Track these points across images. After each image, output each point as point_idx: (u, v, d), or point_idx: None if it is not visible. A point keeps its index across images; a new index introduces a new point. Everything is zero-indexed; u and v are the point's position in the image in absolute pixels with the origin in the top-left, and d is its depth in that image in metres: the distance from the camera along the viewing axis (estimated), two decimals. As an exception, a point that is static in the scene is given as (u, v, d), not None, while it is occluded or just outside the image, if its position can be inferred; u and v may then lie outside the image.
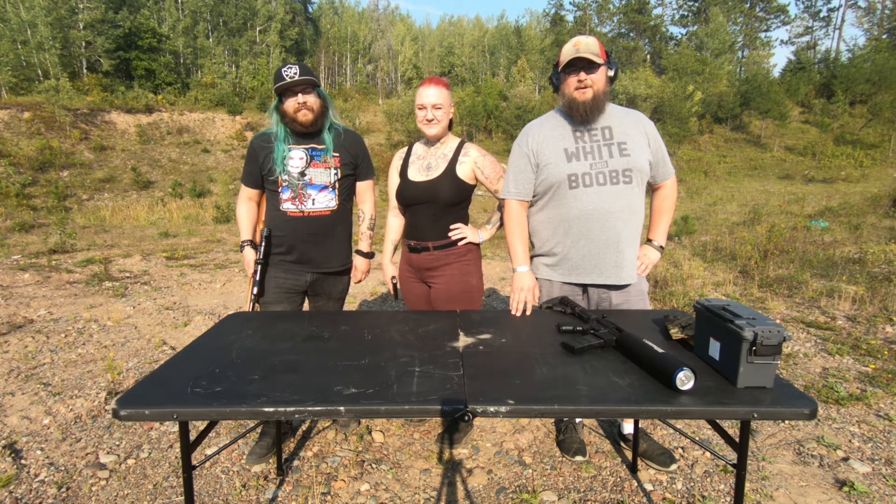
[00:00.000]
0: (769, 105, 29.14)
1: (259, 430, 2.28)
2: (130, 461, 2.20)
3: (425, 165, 2.09)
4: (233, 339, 1.60)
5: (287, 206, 2.07)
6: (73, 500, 1.94)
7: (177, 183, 18.81)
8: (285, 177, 2.05)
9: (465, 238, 2.09)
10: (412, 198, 2.08)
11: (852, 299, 4.43)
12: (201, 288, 5.48)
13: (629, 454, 2.21)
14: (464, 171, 2.05)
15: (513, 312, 1.84)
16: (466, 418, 1.15)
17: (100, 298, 4.92)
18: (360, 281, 2.31)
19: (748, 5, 45.22)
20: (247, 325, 1.74)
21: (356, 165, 2.18)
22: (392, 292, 2.26)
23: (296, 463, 2.17)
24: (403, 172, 2.15)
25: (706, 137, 29.73)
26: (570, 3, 48.77)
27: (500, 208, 2.07)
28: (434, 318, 1.82)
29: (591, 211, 1.83)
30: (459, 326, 1.71)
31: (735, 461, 1.26)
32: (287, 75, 1.98)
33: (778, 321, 3.79)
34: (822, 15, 46.03)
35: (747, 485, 1.99)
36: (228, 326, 1.73)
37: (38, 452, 2.26)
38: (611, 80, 1.83)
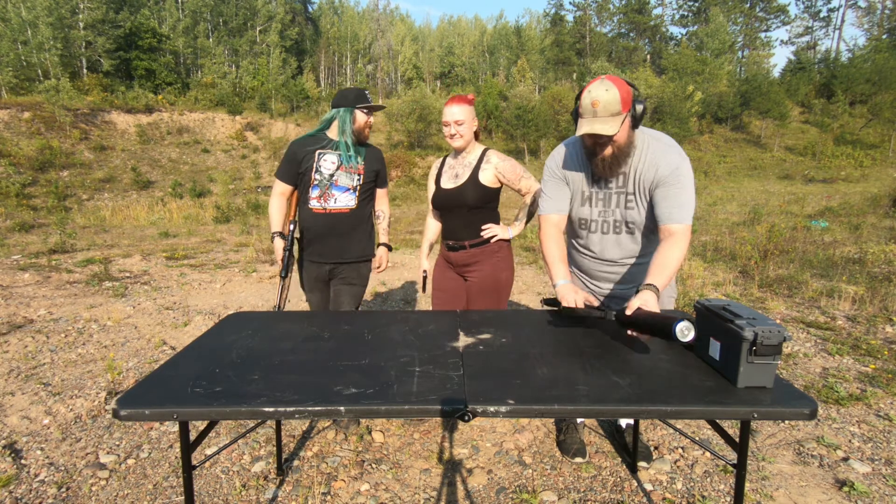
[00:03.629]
0: (769, 105, 29.15)
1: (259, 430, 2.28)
2: (130, 461, 2.20)
3: (454, 174, 2.32)
4: (233, 339, 1.60)
5: (313, 204, 2.35)
6: (73, 500, 1.94)
7: (177, 183, 18.82)
8: (318, 177, 2.33)
9: (496, 236, 2.29)
10: (444, 203, 2.33)
11: (852, 299, 4.43)
12: (201, 288, 5.48)
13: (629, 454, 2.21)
14: (486, 177, 2.25)
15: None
16: (466, 418, 1.15)
17: (100, 298, 4.92)
18: (382, 269, 2.57)
19: (748, 5, 45.23)
20: (247, 325, 1.74)
21: (377, 176, 2.49)
22: (421, 284, 2.51)
23: (296, 463, 2.17)
24: (438, 181, 2.39)
25: (706, 137, 29.74)
26: (570, 3, 48.79)
27: (526, 205, 2.32)
28: (434, 318, 1.82)
29: (597, 253, 1.93)
30: (459, 326, 1.71)
31: (735, 461, 1.26)
32: (371, 100, 2.40)
33: (778, 321, 3.79)
34: (822, 15, 46.06)
35: (747, 485, 1.99)
36: (228, 326, 1.73)
37: (38, 452, 2.26)
38: (639, 120, 1.68)
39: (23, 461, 2.19)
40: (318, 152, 2.34)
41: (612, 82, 1.60)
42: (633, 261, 1.89)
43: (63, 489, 2.00)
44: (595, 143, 1.70)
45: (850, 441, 2.31)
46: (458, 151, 2.31)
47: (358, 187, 2.37)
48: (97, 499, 1.95)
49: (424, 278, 2.49)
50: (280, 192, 2.41)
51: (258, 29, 38.81)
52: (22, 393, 2.83)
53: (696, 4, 46.90)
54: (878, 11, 41.24)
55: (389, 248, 2.59)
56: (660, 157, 1.72)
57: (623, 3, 47.03)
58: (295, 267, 2.48)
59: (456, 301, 2.39)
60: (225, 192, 18.73)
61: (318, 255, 2.40)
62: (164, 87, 30.04)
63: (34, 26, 25.90)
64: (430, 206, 2.48)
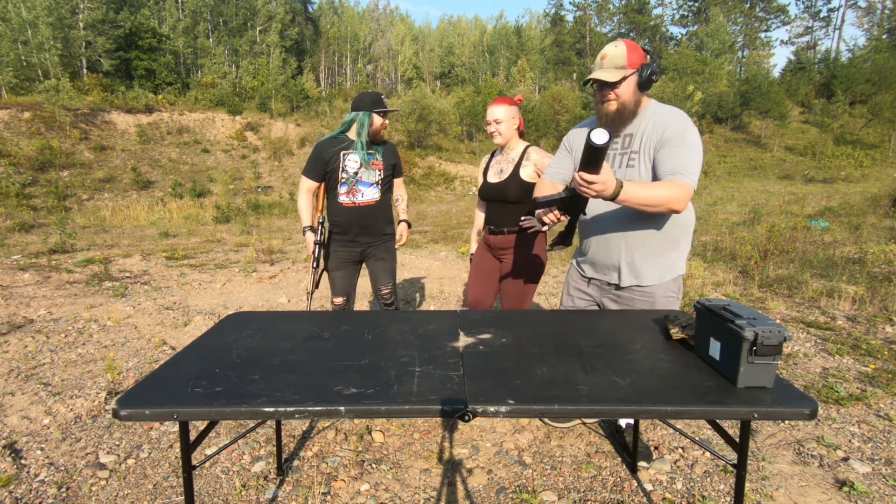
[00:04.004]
0: (769, 105, 29.15)
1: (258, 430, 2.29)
2: (130, 461, 2.20)
3: (499, 169, 2.55)
4: (233, 339, 1.60)
5: (343, 199, 2.65)
6: (73, 500, 1.94)
7: (177, 183, 18.82)
8: (344, 175, 2.62)
9: (533, 227, 2.33)
10: (489, 196, 2.58)
11: (852, 299, 4.43)
12: (201, 288, 5.48)
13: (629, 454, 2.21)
14: (527, 173, 2.45)
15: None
16: (466, 418, 1.15)
17: (100, 298, 4.92)
18: (402, 243, 2.86)
19: (748, 5, 45.23)
20: (247, 325, 1.74)
21: (394, 168, 2.81)
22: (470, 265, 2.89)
23: (296, 463, 2.17)
24: (485, 174, 2.62)
25: (706, 137, 29.74)
26: (570, 3, 48.79)
27: None
28: (434, 318, 1.82)
29: (598, 215, 1.92)
30: (459, 326, 1.71)
31: (735, 461, 1.26)
32: (388, 104, 2.67)
33: (778, 321, 3.79)
34: (822, 15, 46.05)
35: (747, 485, 1.99)
36: (228, 326, 1.73)
37: (38, 452, 2.26)
38: (644, 83, 1.75)
39: (23, 461, 2.19)
40: (342, 153, 2.61)
41: (624, 42, 1.75)
42: (626, 221, 1.85)
43: (63, 489, 2.00)
44: (602, 97, 1.79)
45: (850, 441, 2.31)
46: (501, 147, 2.55)
47: (379, 181, 2.69)
48: (97, 499, 1.95)
49: (471, 260, 2.84)
50: (308, 189, 2.68)
51: (258, 29, 38.80)
52: (22, 393, 2.83)
53: (696, 4, 46.89)
54: (878, 11, 41.24)
55: (409, 225, 2.91)
56: (669, 120, 1.75)
57: (623, 3, 47.02)
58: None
59: (489, 281, 2.65)
60: (225, 192, 18.73)
61: (349, 241, 2.72)
62: (164, 87, 30.03)
63: (34, 26, 25.89)
64: (478, 198, 2.75)
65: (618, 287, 1.97)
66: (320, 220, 2.70)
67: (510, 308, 2.60)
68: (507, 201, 2.48)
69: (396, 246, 2.86)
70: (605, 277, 1.99)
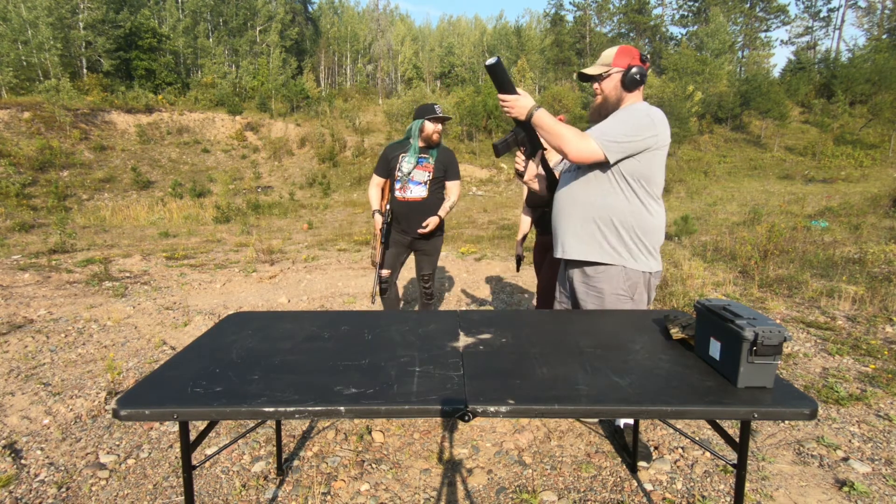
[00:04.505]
0: (769, 105, 29.11)
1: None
2: (130, 461, 2.20)
3: (544, 174, 2.78)
4: (233, 339, 1.60)
5: (397, 193, 3.09)
6: (73, 500, 1.94)
7: (177, 183, 18.81)
8: (399, 174, 3.04)
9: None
10: (536, 203, 2.95)
11: (852, 299, 4.43)
12: (201, 288, 5.48)
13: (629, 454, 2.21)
14: None
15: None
16: (466, 418, 1.15)
17: (100, 298, 4.92)
18: (426, 230, 3.09)
19: (748, 5, 45.20)
20: (247, 325, 1.74)
21: (445, 171, 3.14)
22: (516, 265, 3.31)
23: (296, 463, 2.17)
24: None
25: (706, 137, 29.72)
26: (570, 3, 48.77)
27: None
28: (434, 318, 1.82)
29: (556, 202, 2.12)
30: (459, 326, 1.71)
31: (735, 461, 1.26)
32: (438, 111, 3.01)
33: (778, 321, 3.79)
34: (822, 15, 46.01)
35: (747, 485, 1.99)
36: (228, 326, 1.73)
37: (38, 452, 2.26)
38: (627, 82, 1.90)
39: (23, 461, 2.19)
40: (401, 155, 3.06)
41: (620, 47, 1.93)
42: (569, 206, 2.02)
43: (63, 489, 2.00)
44: (594, 91, 2.01)
45: (850, 441, 2.31)
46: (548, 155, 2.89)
47: (428, 182, 3.05)
48: (97, 499, 1.95)
49: (519, 261, 3.24)
50: (376, 184, 3.17)
51: (258, 29, 38.77)
52: (22, 393, 2.83)
53: (696, 4, 46.86)
54: (878, 11, 41.23)
55: (441, 221, 3.17)
56: (626, 108, 1.94)
57: (623, 3, 47.00)
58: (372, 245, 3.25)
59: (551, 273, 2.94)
60: (225, 192, 18.72)
61: (401, 229, 3.17)
62: (164, 87, 30.00)
63: (34, 26, 25.87)
64: (525, 205, 3.11)
65: (566, 265, 2.13)
66: (388, 207, 3.15)
67: None
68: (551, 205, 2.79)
69: (419, 231, 3.12)
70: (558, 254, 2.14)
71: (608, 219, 1.93)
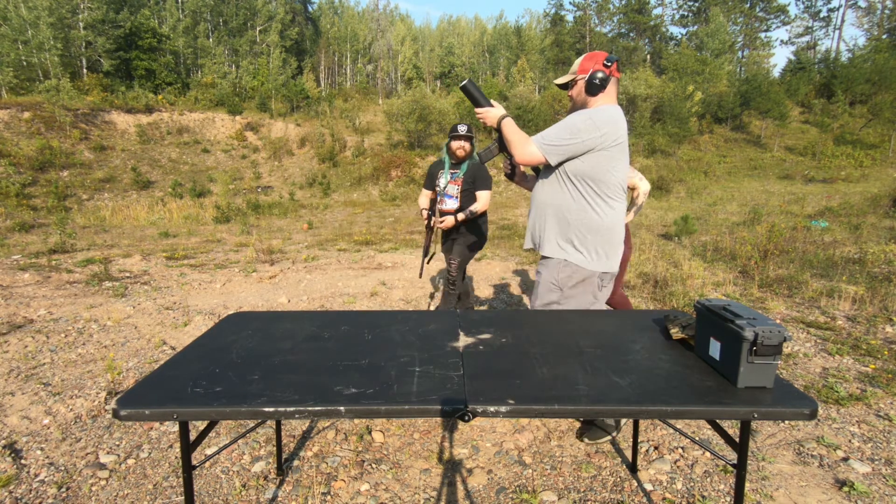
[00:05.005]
0: (769, 105, 29.10)
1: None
2: (130, 461, 2.20)
3: None
4: (233, 339, 1.60)
5: (438, 206, 3.54)
6: (73, 500, 1.94)
7: (177, 183, 18.81)
8: (437, 188, 3.60)
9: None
10: None
11: (852, 299, 4.43)
12: (201, 288, 5.48)
13: (629, 454, 2.21)
14: None
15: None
16: (466, 418, 1.15)
17: (100, 298, 4.92)
18: (441, 225, 3.48)
19: (748, 5, 45.19)
20: (247, 325, 1.74)
21: (473, 182, 3.52)
22: None
23: (296, 463, 2.17)
24: None
25: (706, 137, 29.72)
26: (570, 3, 48.76)
27: (633, 200, 2.97)
28: (434, 318, 1.82)
29: (532, 192, 2.23)
30: (459, 326, 1.71)
31: (735, 461, 1.26)
32: (461, 130, 3.46)
33: (778, 321, 3.79)
34: (822, 15, 46.00)
35: (747, 485, 1.99)
36: (228, 326, 1.73)
37: (38, 452, 2.26)
38: (591, 87, 1.99)
39: (23, 461, 2.19)
40: (439, 171, 3.61)
41: (587, 54, 2.05)
42: (540, 202, 2.12)
43: (63, 489, 2.00)
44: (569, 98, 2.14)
45: (850, 441, 2.31)
46: None
47: (458, 194, 3.50)
48: (97, 499, 1.95)
49: None
50: (425, 195, 3.73)
51: (258, 29, 38.75)
52: (22, 393, 2.83)
53: (696, 4, 46.85)
54: (878, 11, 41.22)
55: (457, 220, 3.47)
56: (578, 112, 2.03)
57: (623, 3, 46.99)
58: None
59: None
60: (225, 192, 18.72)
61: (444, 233, 3.68)
62: (164, 87, 29.99)
63: (35, 26, 25.86)
64: None
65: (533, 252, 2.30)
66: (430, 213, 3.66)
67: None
68: None
69: (433, 225, 3.56)
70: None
71: (559, 216, 2.06)
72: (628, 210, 3.02)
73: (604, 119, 1.92)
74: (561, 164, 1.99)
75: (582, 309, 2.08)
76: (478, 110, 2.02)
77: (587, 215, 1.99)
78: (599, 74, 1.96)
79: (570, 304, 2.08)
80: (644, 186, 2.90)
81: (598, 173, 1.95)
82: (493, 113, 2.01)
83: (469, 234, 3.67)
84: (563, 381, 1.28)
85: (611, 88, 2.01)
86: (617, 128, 1.93)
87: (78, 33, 28.47)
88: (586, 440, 2.29)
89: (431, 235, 3.71)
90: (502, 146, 2.09)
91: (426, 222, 3.67)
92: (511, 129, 1.98)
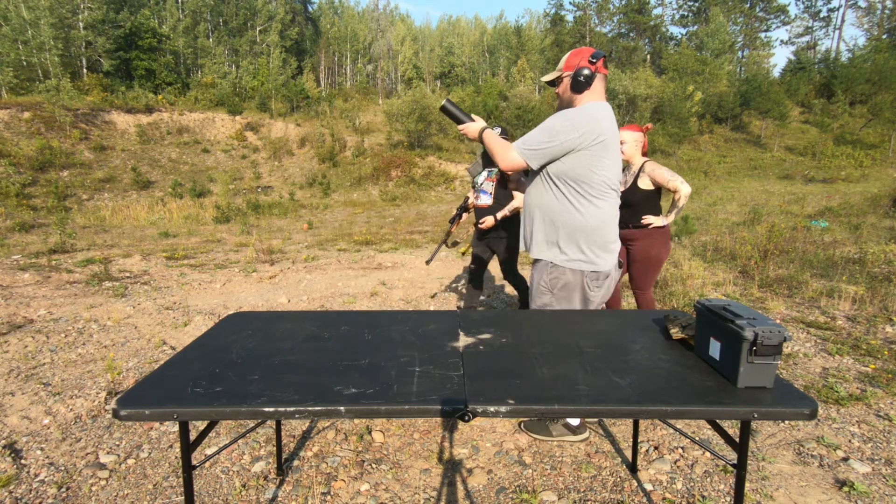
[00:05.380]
0: (769, 105, 29.12)
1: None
2: (130, 461, 2.20)
3: (624, 180, 3.13)
4: (233, 339, 1.60)
5: (473, 201, 3.54)
6: (73, 500, 1.94)
7: (177, 183, 18.82)
8: (475, 185, 3.58)
9: (652, 224, 3.07)
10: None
11: (852, 299, 4.43)
12: (201, 288, 5.48)
13: (629, 454, 2.21)
14: (643, 182, 3.06)
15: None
16: (466, 418, 1.15)
17: (100, 298, 4.92)
18: (483, 226, 3.60)
19: (748, 5, 45.19)
20: (247, 325, 1.74)
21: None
22: None
23: (296, 463, 2.17)
24: None
25: (706, 137, 29.73)
26: (570, 3, 48.77)
27: (675, 202, 3.04)
28: (434, 318, 1.82)
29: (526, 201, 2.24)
30: (459, 326, 1.71)
31: (735, 461, 1.26)
32: (496, 130, 3.40)
33: (778, 321, 3.79)
34: (822, 15, 46.00)
35: (747, 485, 1.99)
36: (228, 326, 1.73)
37: (38, 452, 2.26)
38: (577, 84, 1.99)
39: (23, 461, 2.19)
40: (478, 170, 3.74)
41: (573, 50, 2.03)
42: (528, 207, 2.14)
43: (63, 489, 2.00)
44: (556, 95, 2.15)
45: (850, 441, 2.31)
46: (627, 163, 3.18)
47: (492, 190, 3.55)
48: (97, 499, 1.95)
49: None
50: (471, 193, 3.67)
51: (258, 29, 38.75)
52: (22, 393, 2.83)
53: (696, 4, 46.86)
54: (878, 11, 41.22)
55: (496, 219, 3.58)
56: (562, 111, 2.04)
57: (623, 3, 47.00)
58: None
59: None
60: (225, 192, 18.73)
61: (481, 231, 3.74)
62: (164, 87, 29.99)
63: (35, 26, 25.87)
64: None
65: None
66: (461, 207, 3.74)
67: (635, 290, 3.18)
68: (630, 204, 3.05)
69: (480, 227, 3.67)
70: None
71: (545, 218, 2.08)
72: (669, 212, 3.11)
73: (582, 119, 1.90)
74: (543, 167, 2.00)
75: (581, 309, 2.07)
76: (459, 127, 2.10)
77: (571, 216, 1.98)
78: (585, 71, 1.94)
79: (561, 306, 2.07)
80: (685, 189, 2.98)
81: (580, 173, 1.94)
82: (473, 127, 2.07)
83: (504, 238, 3.80)
84: (563, 381, 1.28)
85: (597, 85, 1.98)
86: (597, 126, 1.89)
87: (78, 33, 28.48)
88: (525, 428, 2.39)
89: (458, 223, 3.81)
90: (487, 159, 2.17)
91: (457, 211, 3.78)
92: (492, 140, 2.02)
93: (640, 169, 3.09)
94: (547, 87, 36.12)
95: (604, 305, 3.26)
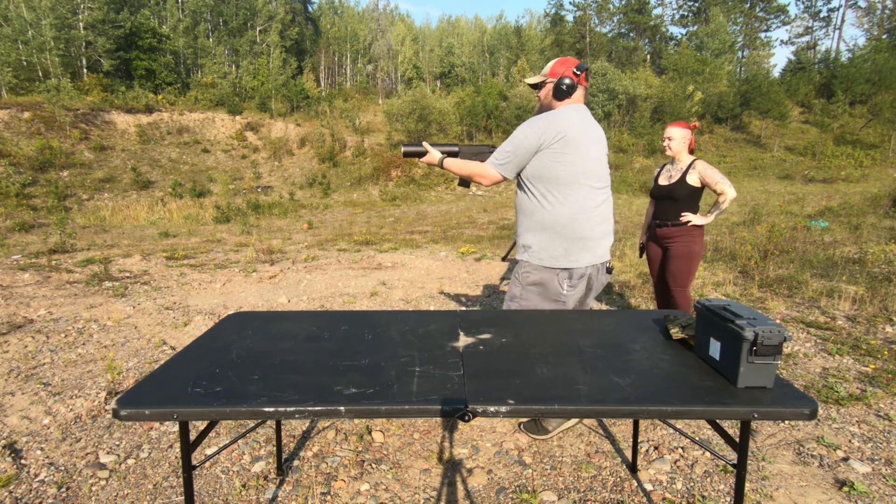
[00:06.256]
0: (769, 105, 29.11)
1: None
2: (130, 461, 2.20)
3: (668, 175, 3.22)
4: (233, 339, 1.60)
5: None
6: (73, 500, 1.94)
7: (177, 183, 18.82)
8: None
9: (690, 222, 3.11)
10: (658, 195, 3.24)
11: (852, 299, 4.43)
12: (201, 288, 5.48)
13: (629, 454, 2.21)
14: (692, 179, 3.09)
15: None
16: (466, 418, 1.15)
17: (100, 298, 4.92)
18: None
19: (748, 5, 45.19)
20: (247, 325, 1.74)
21: None
22: (639, 252, 3.80)
23: (296, 463, 2.17)
24: (656, 179, 3.31)
25: (706, 137, 29.73)
26: (570, 3, 48.77)
27: (718, 204, 3.09)
28: (434, 318, 1.82)
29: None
30: (459, 326, 1.71)
31: (735, 461, 1.26)
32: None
33: (778, 321, 3.79)
34: (822, 15, 45.99)
35: (747, 485, 1.99)
36: (228, 326, 1.73)
37: (38, 452, 2.26)
38: (558, 92, 2.05)
39: (23, 461, 2.19)
40: None
41: (559, 58, 2.10)
42: (517, 211, 2.20)
43: (63, 489, 2.00)
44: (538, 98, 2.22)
45: (850, 441, 2.31)
46: (672, 159, 3.22)
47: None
48: (97, 499, 1.95)
49: (642, 249, 3.47)
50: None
51: (258, 29, 38.74)
52: (22, 393, 2.83)
53: (696, 4, 46.85)
54: (878, 11, 41.21)
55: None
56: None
57: (623, 3, 47.00)
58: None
59: (654, 264, 3.33)
60: (225, 192, 18.74)
61: None
62: (164, 87, 30.00)
63: (36, 26, 25.87)
64: (650, 197, 3.38)
65: None
66: None
67: (674, 287, 3.15)
68: (673, 199, 3.11)
69: None
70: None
71: (521, 218, 2.16)
72: (710, 211, 3.18)
73: (543, 121, 1.98)
74: (518, 174, 2.10)
75: (580, 309, 2.08)
76: (421, 161, 2.21)
77: (541, 213, 2.05)
78: (567, 81, 2.03)
79: (530, 303, 2.09)
80: (732, 194, 3.04)
81: (544, 172, 2.00)
82: (429, 158, 2.17)
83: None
84: (563, 381, 1.28)
85: (577, 95, 2.07)
86: (557, 125, 1.95)
87: (78, 33, 28.48)
88: (524, 429, 2.40)
89: None
90: (463, 180, 2.26)
91: None
92: (457, 166, 2.12)
93: (691, 166, 3.13)
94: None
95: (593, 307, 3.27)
